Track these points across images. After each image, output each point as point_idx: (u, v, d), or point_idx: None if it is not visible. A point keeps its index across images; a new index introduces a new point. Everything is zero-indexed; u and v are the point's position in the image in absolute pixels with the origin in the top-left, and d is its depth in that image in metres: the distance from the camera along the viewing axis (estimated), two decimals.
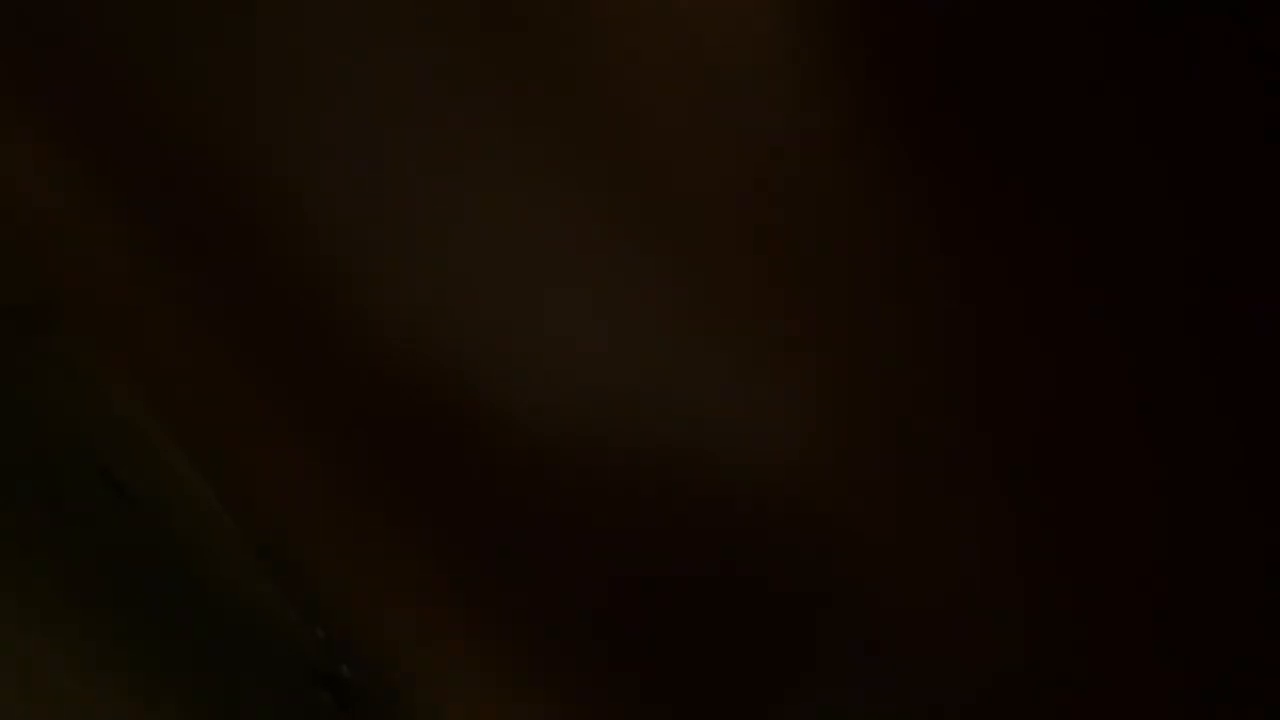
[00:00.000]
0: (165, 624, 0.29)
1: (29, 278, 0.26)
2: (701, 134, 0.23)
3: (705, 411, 0.24)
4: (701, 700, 0.25)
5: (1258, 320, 0.23)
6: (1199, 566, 0.24)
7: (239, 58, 0.24)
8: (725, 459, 0.24)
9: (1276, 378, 0.23)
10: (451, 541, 0.25)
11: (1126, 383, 0.23)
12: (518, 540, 0.25)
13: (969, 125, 0.23)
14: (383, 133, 0.24)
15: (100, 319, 0.26)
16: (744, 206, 0.23)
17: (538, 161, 0.24)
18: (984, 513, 0.24)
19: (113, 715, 0.29)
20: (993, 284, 0.23)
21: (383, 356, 0.25)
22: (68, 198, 0.25)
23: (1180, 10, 0.22)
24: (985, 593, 0.24)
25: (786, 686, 0.24)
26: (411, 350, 0.24)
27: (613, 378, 0.24)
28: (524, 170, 0.24)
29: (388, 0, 0.24)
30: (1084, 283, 0.23)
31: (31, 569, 0.29)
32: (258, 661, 0.29)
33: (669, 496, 0.24)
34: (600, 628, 0.25)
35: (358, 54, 0.24)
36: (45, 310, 0.26)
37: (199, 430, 0.26)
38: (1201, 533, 0.23)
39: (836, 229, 0.23)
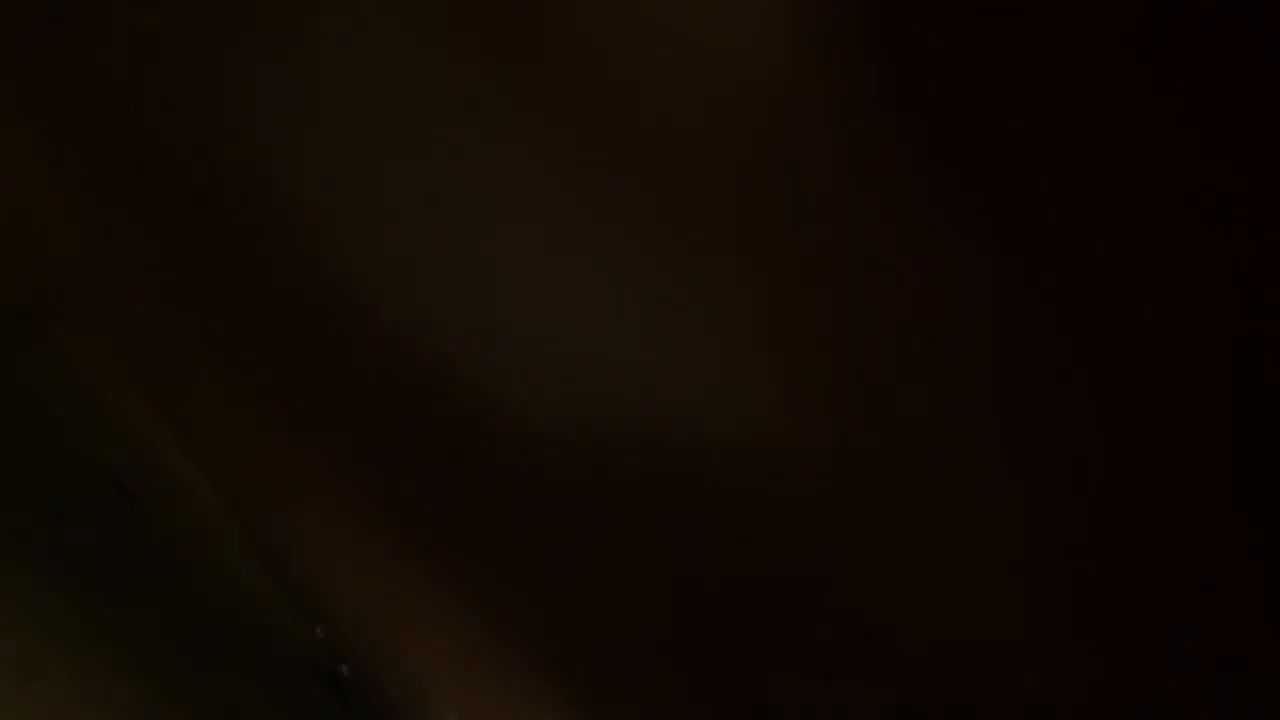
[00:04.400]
0: (165, 624, 0.29)
1: (29, 278, 0.26)
2: (705, 138, 0.23)
3: (708, 403, 0.24)
4: (701, 695, 0.25)
5: (1260, 311, 0.23)
6: (1205, 557, 0.23)
7: (242, 61, 0.24)
8: (730, 452, 0.24)
9: None
10: (451, 541, 0.25)
11: (1132, 372, 0.23)
12: (517, 539, 0.25)
13: (972, 128, 0.23)
14: (385, 136, 0.24)
15: (100, 319, 0.26)
16: (750, 205, 0.23)
17: (539, 163, 0.24)
18: (985, 500, 0.24)
19: (114, 716, 0.29)
20: (997, 274, 0.23)
21: (383, 357, 0.25)
22: (68, 198, 0.25)
23: (1194, 10, 0.22)
24: (985, 579, 0.24)
25: (786, 674, 0.24)
26: (413, 351, 0.24)
27: (614, 374, 0.24)
28: (525, 171, 0.24)
29: (393, 11, 0.24)
30: (1089, 273, 0.23)
31: (32, 569, 0.29)
32: (258, 661, 0.29)
33: (670, 490, 0.24)
34: (599, 626, 0.25)
35: (359, 59, 0.24)
36: (45, 310, 0.26)
37: (199, 430, 0.26)
38: (1209, 526, 0.23)
39: (842, 225, 0.23)
